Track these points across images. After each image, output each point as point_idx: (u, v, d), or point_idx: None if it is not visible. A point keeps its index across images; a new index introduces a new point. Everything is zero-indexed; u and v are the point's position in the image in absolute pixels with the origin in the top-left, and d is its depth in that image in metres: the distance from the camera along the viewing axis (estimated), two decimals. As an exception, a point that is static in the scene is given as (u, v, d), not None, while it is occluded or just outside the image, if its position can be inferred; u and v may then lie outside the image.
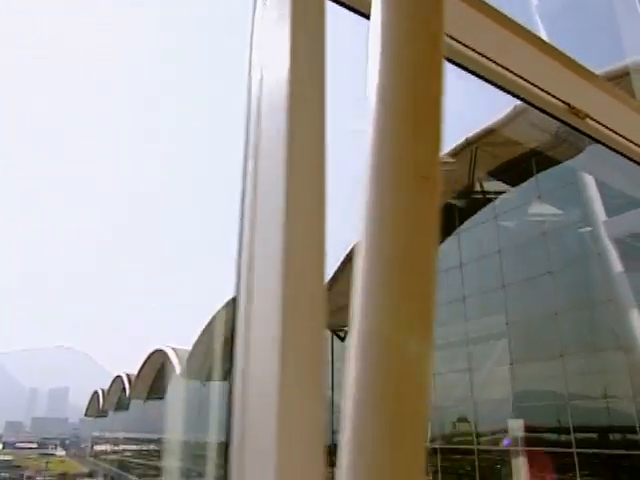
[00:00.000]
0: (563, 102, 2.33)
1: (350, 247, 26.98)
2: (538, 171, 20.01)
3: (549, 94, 2.32)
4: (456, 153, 20.81)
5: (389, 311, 0.70)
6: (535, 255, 19.89)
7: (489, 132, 19.71)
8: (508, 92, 2.29)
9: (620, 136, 2.49)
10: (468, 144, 20.59)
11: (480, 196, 22.64)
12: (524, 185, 20.66)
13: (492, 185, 22.01)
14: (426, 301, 0.71)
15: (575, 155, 18.16)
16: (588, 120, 2.40)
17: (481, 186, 22.55)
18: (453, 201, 23.20)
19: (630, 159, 2.57)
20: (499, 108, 18.60)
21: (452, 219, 23.58)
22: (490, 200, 22.25)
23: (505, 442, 19.21)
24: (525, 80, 2.19)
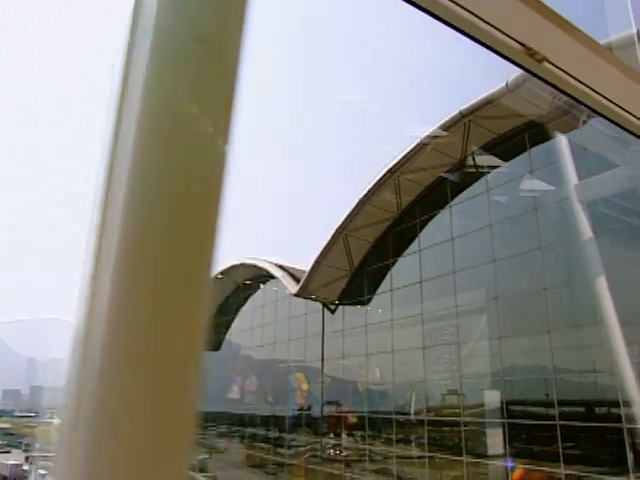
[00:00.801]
0: (519, 43, 2.14)
1: (336, 227, 26.97)
2: (531, 146, 19.79)
3: (504, 33, 2.11)
4: (449, 126, 20.52)
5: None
6: (526, 230, 19.77)
7: (483, 105, 19.40)
8: (459, 30, 2.10)
9: (581, 83, 2.31)
10: (462, 117, 20.29)
11: (473, 170, 22.41)
12: (517, 160, 20.44)
13: (485, 159, 21.76)
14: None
15: (571, 129, 18.02)
16: (546, 63, 2.21)
17: (474, 160, 22.29)
18: (445, 175, 23.01)
19: (590, 108, 2.40)
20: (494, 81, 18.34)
21: (444, 193, 23.43)
22: (483, 174, 22.02)
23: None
24: (478, 17, 2.00)
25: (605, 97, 2.39)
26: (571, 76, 2.29)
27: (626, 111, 2.43)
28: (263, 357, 39.26)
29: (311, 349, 31.73)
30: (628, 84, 2.48)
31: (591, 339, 16.67)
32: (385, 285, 26.80)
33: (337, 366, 29.57)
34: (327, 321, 30.38)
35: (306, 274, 29.40)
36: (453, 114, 20.26)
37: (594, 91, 2.36)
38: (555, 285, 18.43)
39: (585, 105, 2.33)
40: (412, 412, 23.71)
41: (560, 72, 2.25)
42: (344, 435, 27.64)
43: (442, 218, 23.86)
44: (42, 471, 52.38)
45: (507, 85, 17.52)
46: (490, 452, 19.67)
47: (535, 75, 2.24)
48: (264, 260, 36.65)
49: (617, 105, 2.34)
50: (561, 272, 18.79)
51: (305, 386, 33.07)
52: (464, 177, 22.62)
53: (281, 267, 34.63)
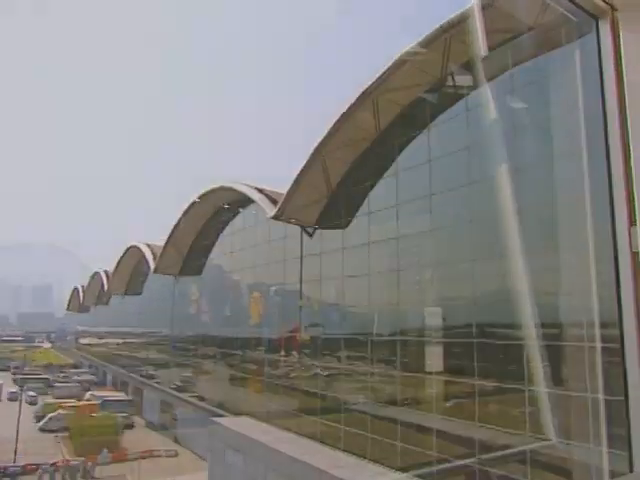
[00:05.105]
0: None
1: (314, 147, 26.36)
2: (514, 65, 19.04)
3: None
4: (429, 43, 19.58)
5: None
6: (505, 152, 19.39)
7: (464, 19, 18.43)
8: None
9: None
10: (443, 32, 19.34)
11: (452, 90, 21.67)
12: (498, 80, 19.72)
13: (465, 79, 20.97)
14: None
15: (556, 47, 17.30)
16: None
17: (453, 80, 21.49)
18: (424, 95, 22.26)
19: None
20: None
21: (422, 114, 22.76)
22: (462, 95, 21.31)
23: None
24: None
25: None
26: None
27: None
28: (244, 280, 39.73)
29: (290, 272, 32.02)
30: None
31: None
32: (363, 208, 26.63)
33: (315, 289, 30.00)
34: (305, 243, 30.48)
35: (283, 196, 29.03)
36: (433, 28, 19.30)
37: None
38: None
39: None
40: (374, 332, 24.86)
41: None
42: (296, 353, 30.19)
43: (421, 139, 23.34)
44: (31, 392, 54.18)
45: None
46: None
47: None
48: (242, 184, 36.08)
49: None
50: (550, 197, 18.70)
51: (261, 305, 35.19)
52: (443, 97, 21.92)
53: (259, 190, 34.17)
